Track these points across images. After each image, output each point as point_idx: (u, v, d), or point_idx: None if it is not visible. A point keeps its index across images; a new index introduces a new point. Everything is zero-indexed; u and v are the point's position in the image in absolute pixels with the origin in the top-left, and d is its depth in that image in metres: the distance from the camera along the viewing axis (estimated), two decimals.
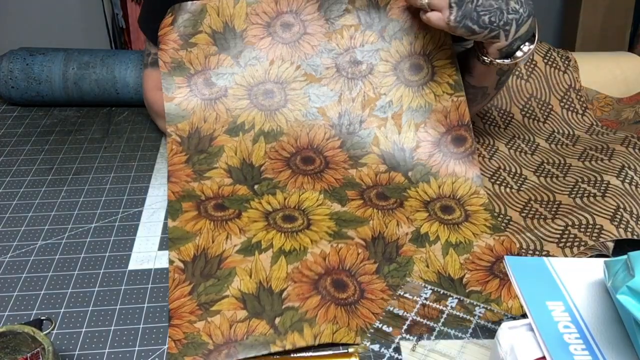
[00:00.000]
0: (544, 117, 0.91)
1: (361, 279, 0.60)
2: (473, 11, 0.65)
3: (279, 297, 0.56)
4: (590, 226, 0.65)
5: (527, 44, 0.69)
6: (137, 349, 0.54)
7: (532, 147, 0.85)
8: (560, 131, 0.89)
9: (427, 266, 0.62)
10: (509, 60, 0.70)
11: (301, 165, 0.72)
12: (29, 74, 0.92)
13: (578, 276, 0.45)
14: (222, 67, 0.74)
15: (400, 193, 0.71)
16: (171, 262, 0.61)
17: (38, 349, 0.48)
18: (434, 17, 0.67)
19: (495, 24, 0.66)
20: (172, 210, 0.67)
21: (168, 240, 0.63)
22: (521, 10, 0.66)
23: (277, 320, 0.54)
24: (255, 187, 0.70)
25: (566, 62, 0.95)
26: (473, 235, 0.66)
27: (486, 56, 0.71)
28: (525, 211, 0.71)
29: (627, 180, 0.73)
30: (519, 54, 0.69)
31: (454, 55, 0.74)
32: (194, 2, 0.73)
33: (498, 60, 0.70)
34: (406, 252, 0.64)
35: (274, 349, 0.52)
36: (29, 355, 0.48)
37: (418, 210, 0.69)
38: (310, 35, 0.76)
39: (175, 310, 0.56)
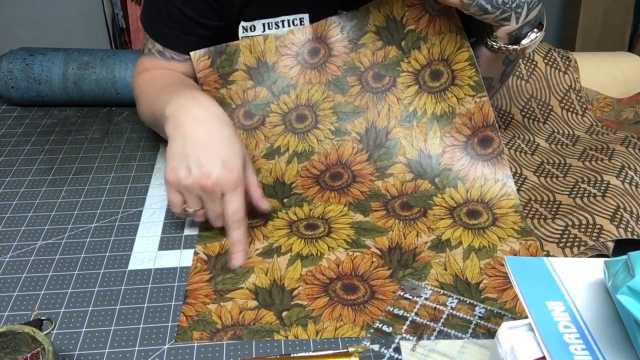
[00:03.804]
0: (544, 117, 0.91)
1: (373, 283, 0.61)
2: None
3: (289, 294, 0.60)
4: (590, 226, 0.65)
5: (535, 30, 0.69)
6: (137, 349, 0.54)
7: (532, 147, 0.85)
8: (560, 131, 0.89)
9: (445, 269, 0.62)
10: (517, 47, 0.70)
11: (329, 182, 0.76)
12: (29, 74, 0.92)
13: (578, 276, 0.45)
14: (259, 98, 0.80)
15: (425, 201, 0.72)
16: (196, 253, 0.65)
17: (38, 349, 0.48)
18: None
19: (507, 5, 0.66)
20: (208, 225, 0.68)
21: (197, 236, 0.68)
22: (535, 1, 0.66)
23: (284, 313, 0.57)
24: (285, 200, 0.74)
25: (567, 63, 0.95)
26: (499, 239, 0.66)
27: (495, 41, 0.71)
28: (525, 211, 0.71)
29: (627, 180, 0.73)
30: (526, 40, 0.69)
31: (472, 57, 0.74)
32: (229, 43, 0.79)
33: (506, 46, 0.70)
34: (424, 258, 0.64)
35: (277, 337, 0.55)
36: (29, 355, 0.48)
37: (442, 218, 0.70)
38: (336, 57, 0.79)
39: (192, 291, 0.60)
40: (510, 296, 0.59)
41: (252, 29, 0.79)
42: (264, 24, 0.78)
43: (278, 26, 0.79)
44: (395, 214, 0.71)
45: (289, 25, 0.79)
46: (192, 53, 0.78)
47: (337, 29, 0.79)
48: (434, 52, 0.76)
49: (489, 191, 0.72)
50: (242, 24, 0.78)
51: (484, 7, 0.66)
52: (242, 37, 0.79)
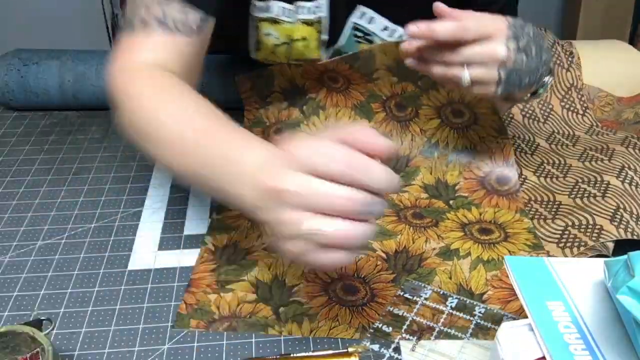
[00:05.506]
0: (544, 117, 0.91)
1: (374, 286, 0.61)
2: (517, 79, 0.64)
3: (289, 291, 0.60)
4: (590, 226, 0.65)
5: (546, 78, 0.69)
6: (137, 349, 0.54)
7: (532, 147, 0.85)
8: (560, 131, 0.89)
9: (450, 277, 0.62)
10: (534, 97, 0.70)
11: None
12: (26, 87, 0.91)
13: (578, 276, 0.45)
14: (291, 118, 0.83)
15: (438, 215, 0.72)
16: (204, 243, 0.67)
17: (38, 349, 0.48)
18: (479, 90, 0.65)
19: (533, 82, 0.66)
20: (220, 207, 0.72)
21: (208, 228, 0.69)
22: (549, 60, 0.66)
23: (281, 309, 0.58)
24: None
25: (570, 59, 0.95)
26: (509, 253, 0.66)
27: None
28: (525, 211, 0.71)
29: (627, 181, 0.73)
30: (542, 89, 0.70)
31: (494, 105, 0.76)
32: (266, 68, 0.83)
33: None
34: (430, 264, 0.64)
35: (271, 332, 0.55)
36: (28, 355, 0.48)
37: (453, 230, 0.69)
38: (356, 84, 0.80)
39: (195, 280, 0.61)
40: (514, 308, 0.58)
41: (267, 9, 0.74)
42: (279, 7, 0.74)
43: (292, 13, 0.74)
44: (406, 220, 0.71)
45: (306, 13, 0.75)
46: (237, 78, 0.83)
47: (346, 67, 0.78)
48: (453, 95, 0.77)
49: (502, 216, 0.72)
50: (255, 2, 0.73)
51: (512, 92, 0.65)
52: (254, 17, 0.75)
